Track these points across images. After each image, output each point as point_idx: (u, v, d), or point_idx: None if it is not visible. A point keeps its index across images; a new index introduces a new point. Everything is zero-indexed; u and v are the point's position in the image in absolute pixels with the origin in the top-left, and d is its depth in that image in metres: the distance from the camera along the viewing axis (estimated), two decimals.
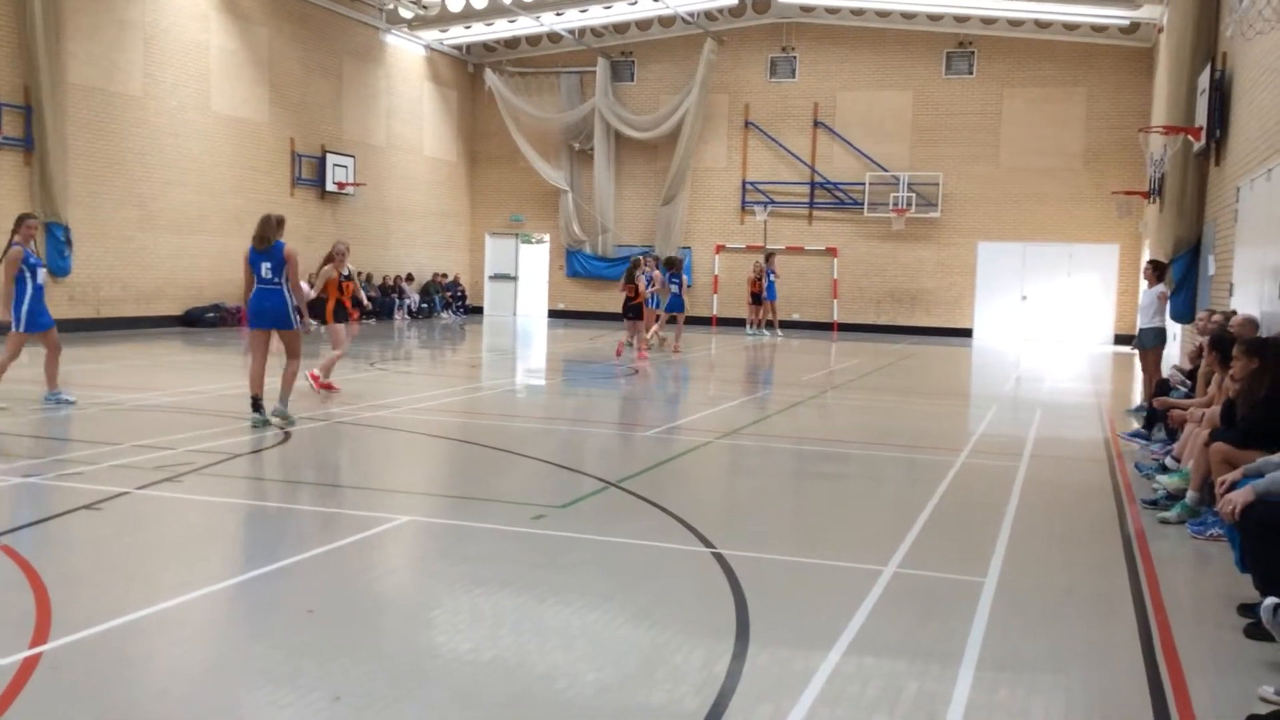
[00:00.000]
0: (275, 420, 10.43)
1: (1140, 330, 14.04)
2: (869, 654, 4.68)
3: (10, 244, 11.29)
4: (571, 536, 6.59)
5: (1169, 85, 17.57)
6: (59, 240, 20.45)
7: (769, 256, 28.43)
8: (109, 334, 20.69)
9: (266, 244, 10.26)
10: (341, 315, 13.51)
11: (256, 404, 10.41)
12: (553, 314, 33.84)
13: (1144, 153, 23.22)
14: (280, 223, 10.44)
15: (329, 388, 13.00)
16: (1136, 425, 11.75)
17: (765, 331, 27.96)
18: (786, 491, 8.89)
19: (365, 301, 16.48)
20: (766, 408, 13.33)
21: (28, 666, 4.23)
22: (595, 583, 5.68)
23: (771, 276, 27.79)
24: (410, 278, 30.83)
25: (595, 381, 16.38)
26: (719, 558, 6.14)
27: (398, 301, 29.62)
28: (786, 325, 30.86)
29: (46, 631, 4.63)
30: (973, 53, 29.77)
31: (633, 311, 19.59)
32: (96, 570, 5.86)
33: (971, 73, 29.84)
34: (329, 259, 13.51)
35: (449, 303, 31.85)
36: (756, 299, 28.00)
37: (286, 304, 10.38)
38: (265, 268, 10.28)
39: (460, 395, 13.93)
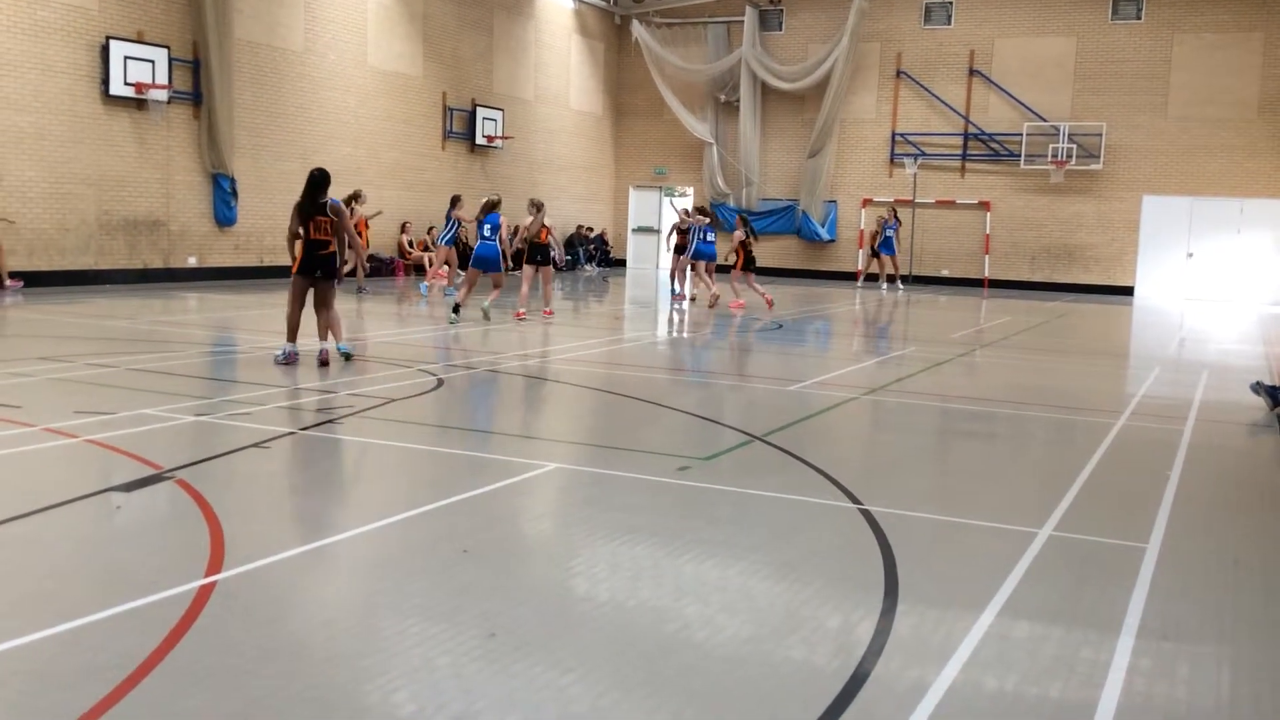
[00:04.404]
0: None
1: None
2: (1022, 619, 4.56)
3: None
4: (716, 488, 6.61)
5: None
6: (225, 191, 21.38)
7: (893, 212, 28.87)
8: (272, 281, 21.56)
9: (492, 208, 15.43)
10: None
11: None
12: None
13: None
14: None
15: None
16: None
17: (884, 286, 28.16)
18: (934, 450, 8.71)
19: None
20: (912, 365, 13.07)
21: (204, 594, 4.48)
22: (739, 535, 5.69)
23: (889, 231, 28.04)
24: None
25: (736, 335, 16.32)
26: (866, 514, 6.07)
27: None
28: (934, 281, 30.29)
29: (220, 561, 4.90)
30: None
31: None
32: (265, 505, 6.16)
33: (1139, 18, 28.33)
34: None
35: (592, 255, 32.11)
36: (875, 252, 28.74)
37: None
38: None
39: (603, 346, 14.07)
